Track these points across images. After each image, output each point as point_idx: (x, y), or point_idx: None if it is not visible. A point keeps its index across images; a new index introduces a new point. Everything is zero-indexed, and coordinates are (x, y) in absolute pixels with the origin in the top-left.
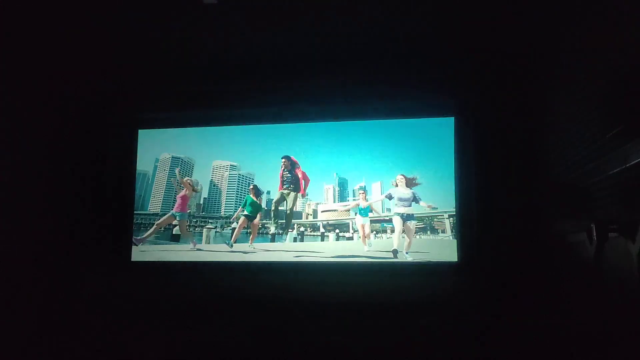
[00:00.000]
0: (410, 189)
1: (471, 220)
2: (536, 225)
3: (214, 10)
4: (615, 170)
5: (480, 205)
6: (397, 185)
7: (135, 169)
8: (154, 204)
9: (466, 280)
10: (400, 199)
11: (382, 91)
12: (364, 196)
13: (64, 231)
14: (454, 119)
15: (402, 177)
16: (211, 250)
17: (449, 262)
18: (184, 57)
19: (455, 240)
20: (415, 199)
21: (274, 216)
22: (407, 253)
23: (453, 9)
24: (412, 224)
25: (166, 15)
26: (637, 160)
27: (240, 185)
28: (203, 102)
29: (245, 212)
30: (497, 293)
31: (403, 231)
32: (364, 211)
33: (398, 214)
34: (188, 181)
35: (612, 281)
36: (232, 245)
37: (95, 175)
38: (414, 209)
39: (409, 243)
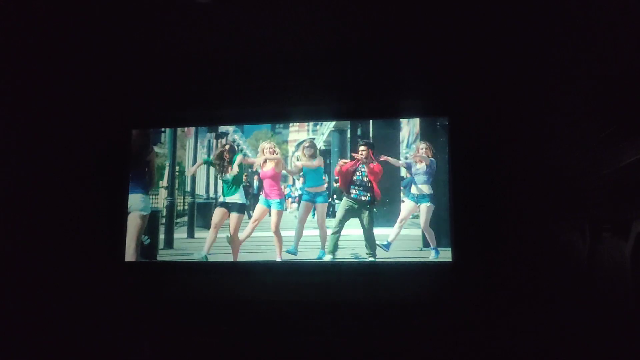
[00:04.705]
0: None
1: (465, 220)
2: (530, 225)
3: (209, 9)
4: (608, 170)
5: (474, 205)
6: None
7: (130, 169)
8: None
9: (460, 280)
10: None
11: (378, 91)
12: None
13: (59, 231)
14: (449, 118)
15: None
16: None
17: (444, 262)
18: (178, 56)
19: None
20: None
21: None
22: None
23: (448, 8)
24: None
25: (159, 13)
26: (630, 160)
27: None
28: (198, 101)
29: None
30: (491, 293)
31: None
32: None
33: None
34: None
35: (604, 281)
36: None
37: (89, 175)
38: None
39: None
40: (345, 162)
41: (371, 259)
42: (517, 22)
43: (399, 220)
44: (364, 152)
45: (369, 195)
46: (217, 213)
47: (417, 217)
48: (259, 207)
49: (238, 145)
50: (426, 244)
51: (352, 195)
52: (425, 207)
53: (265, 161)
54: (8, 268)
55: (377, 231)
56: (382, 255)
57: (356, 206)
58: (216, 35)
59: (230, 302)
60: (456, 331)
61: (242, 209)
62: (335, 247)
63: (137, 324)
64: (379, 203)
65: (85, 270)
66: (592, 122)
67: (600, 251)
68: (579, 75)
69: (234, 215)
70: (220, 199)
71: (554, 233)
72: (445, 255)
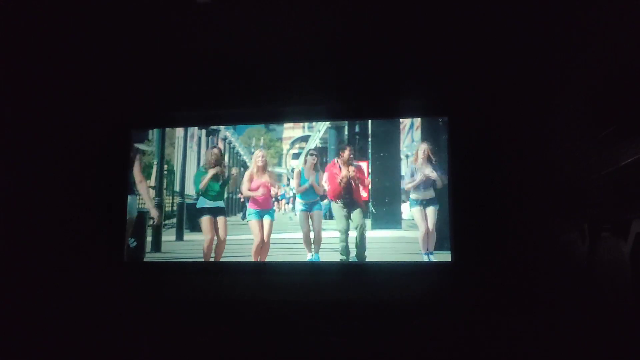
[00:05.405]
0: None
1: (465, 220)
2: (530, 225)
3: (207, 9)
4: (607, 170)
5: (474, 206)
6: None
7: (129, 168)
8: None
9: (460, 280)
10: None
11: (377, 91)
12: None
13: (58, 231)
14: (448, 118)
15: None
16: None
17: (444, 262)
18: (176, 56)
19: None
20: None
21: None
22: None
23: (448, 8)
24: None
25: (158, 13)
26: (630, 160)
27: None
28: (198, 102)
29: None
30: (491, 293)
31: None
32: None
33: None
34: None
35: (604, 280)
36: None
37: (88, 174)
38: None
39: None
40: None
41: (358, 260)
42: (517, 22)
43: (422, 231)
44: (346, 154)
45: (353, 198)
46: (207, 221)
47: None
48: (254, 223)
49: (230, 143)
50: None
51: (339, 200)
52: (432, 210)
53: (261, 171)
54: (8, 268)
55: (379, 233)
56: (382, 256)
57: (346, 209)
58: (217, 35)
59: (230, 302)
60: (456, 331)
61: (224, 211)
62: (348, 251)
63: (137, 324)
64: (366, 206)
65: (85, 270)
66: (592, 122)
67: (600, 251)
68: (579, 75)
69: (222, 219)
70: (208, 205)
71: (554, 233)
72: (444, 256)
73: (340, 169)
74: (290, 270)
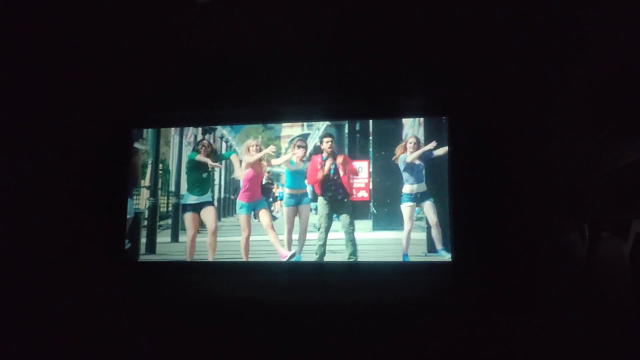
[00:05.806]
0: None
1: (465, 219)
2: (530, 225)
3: (208, 9)
4: (607, 170)
5: (474, 205)
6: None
7: (128, 168)
8: None
9: (460, 280)
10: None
11: (377, 91)
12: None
13: (59, 231)
14: (448, 118)
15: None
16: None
17: (444, 262)
18: (176, 56)
19: None
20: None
21: None
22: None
23: (447, 8)
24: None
25: (158, 13)
26: (630, 160)
27: None
28: (198, 101)
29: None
30: (491, 293)
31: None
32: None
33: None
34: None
35: (604, 280)
36: None
37: (88, 174)
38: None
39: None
40: (321, 167)
41: (352, 259)
42: (517, 22)
43: (407, 230)
44: (329, 143)
45: (340, 191)
46: (190, 217)
47: (420, 219)
48: (245, 217)
49: (227, 142)
50: (431, 249)
51: (326, 196)
52: (430, 205)
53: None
54: (8, 268)
55: (380, 234)
56: (382, 256)
57: (333, 206)
58: (217, 35)
59: (229, 302)
60: (456, 331)
61: (211, 203)
62: (324, 252)
63: (136, 324)
64: (350, 202)
65: (84, 270)
66: (592, 122)
67: (600, 251)
68: (579, 75)
69: (208, 209)
70: (192, 201)
71: (554, 233)
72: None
73: (323, 161)
74: (290, 270)
